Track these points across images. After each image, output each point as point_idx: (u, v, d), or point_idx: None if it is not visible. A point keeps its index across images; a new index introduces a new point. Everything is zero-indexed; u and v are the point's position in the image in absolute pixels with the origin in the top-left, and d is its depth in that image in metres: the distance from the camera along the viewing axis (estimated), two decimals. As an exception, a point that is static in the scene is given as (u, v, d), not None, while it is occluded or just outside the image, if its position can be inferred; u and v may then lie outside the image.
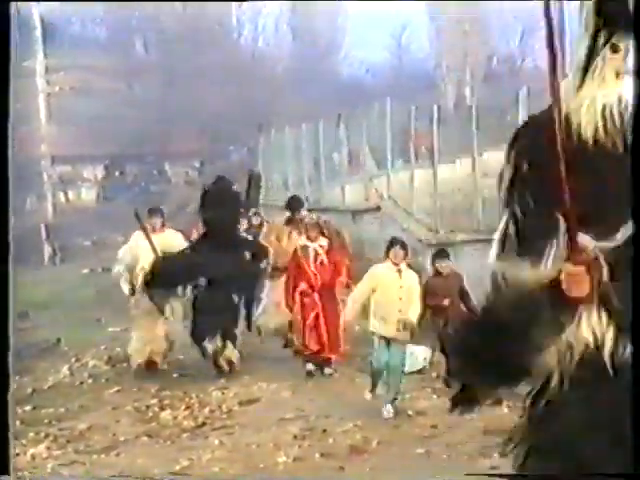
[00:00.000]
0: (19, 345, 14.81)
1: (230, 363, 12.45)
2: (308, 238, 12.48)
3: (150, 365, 12.85)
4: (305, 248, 12.43)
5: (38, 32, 34.42)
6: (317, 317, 12.35)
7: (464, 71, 32.37)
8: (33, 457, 9.54)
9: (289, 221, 14.25)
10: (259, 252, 12.86)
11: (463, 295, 10.62)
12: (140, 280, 12.66)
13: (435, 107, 17.40)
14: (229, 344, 12.41)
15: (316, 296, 12.34)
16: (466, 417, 9.65)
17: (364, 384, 10.46)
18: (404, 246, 10.45)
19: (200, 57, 33.02)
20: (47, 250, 30.96)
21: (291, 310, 12.63)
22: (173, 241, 12.89)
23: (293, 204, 14.57)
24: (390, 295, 10.22)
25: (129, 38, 36.76)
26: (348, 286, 12.14)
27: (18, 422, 11.32)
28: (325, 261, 12.36)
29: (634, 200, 3.33)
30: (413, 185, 17.42)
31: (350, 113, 21.02)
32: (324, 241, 12.50)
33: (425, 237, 16.37)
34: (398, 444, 9.11)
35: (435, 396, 10.91)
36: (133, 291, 12.80)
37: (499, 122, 15.30)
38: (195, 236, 13.36)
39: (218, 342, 12.34)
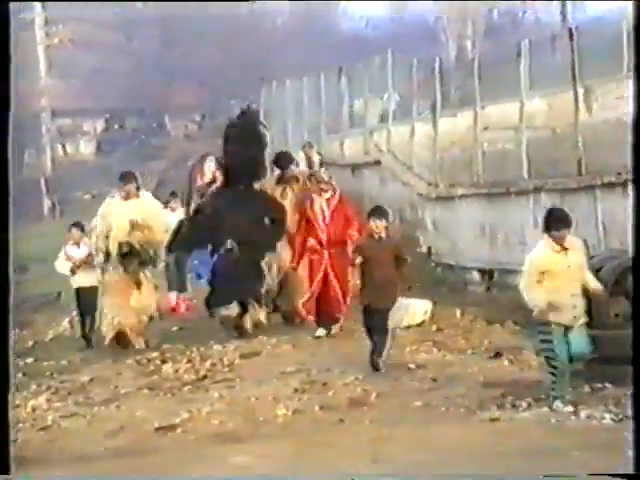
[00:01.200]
0: (19, 299, 14.86)
1: (258, 324, 12.24)
2: (315, 192, 12.15)
3: (121, 338, 12.23)
4: (312, 202, 12.09)
5: (36, -16, 34.11)
6: (326, 276, 11.96)
7: (465, 24, 32.11)
8: (33, 409, 9.59)
9: (280, 179, 13.26)
10: (278, 214, 12.43)
11: (399, 261, 10.03)
12: (114, 250, 12.06)
13: (437, 59, 17.28)
14: (255, 306, 12.19)
15: (325, 253, 11.99)
16: (467, 370, 9.79)
17: (364, 337, 10.47)
18: None
19: (200, 10, 32.73)
20: (46, 203, 30.93)
21: (294, 270, 12.27)
22: (150, 207, 12.35)
23: (283, 161, 13.52)
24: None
25: (128, -10, 36.43)
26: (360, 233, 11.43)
27: (20, 374, 11.39)
28: (332, 215, 11.98)
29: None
30: (413, 139, 17.34)
31: (351, 66, 20.88)
32: (328, 194, 12.11)
33: (425, 191, 16.34)
34: (397, 397, 9.15)
35: (435, 349, 10.95)
36: (107, 260, 12.19)
37: (501, 75, 15.16)
38: (215, 184, 12.89)
39: (236, 307, 12.11)
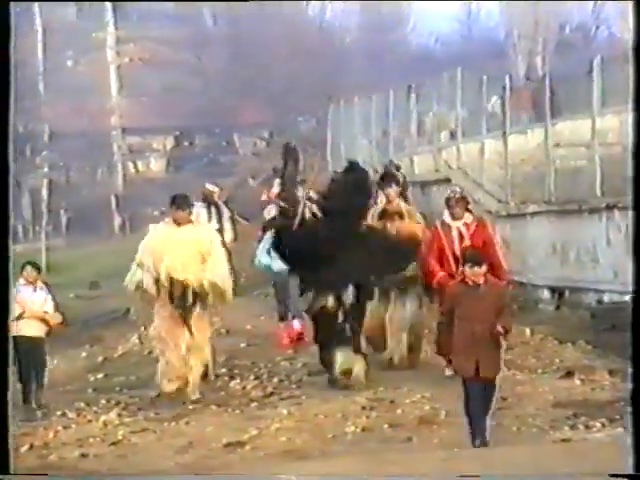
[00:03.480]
0: (90, 315, 15.05)
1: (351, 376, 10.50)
2: (451, 215, 10.46)
3: (177, 395, 10.40)
4: (448, 228, 10.46)
5: (108, 4, 34.63)
6: None
7: (535, 40, 31.84)
8: (105, 424, 9.65)
9: (383, 214, 11.34)
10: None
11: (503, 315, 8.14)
12: (165, 287, 10.19)
13: (507, 77, 17.17)
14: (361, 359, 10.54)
15: None
16: (537, 389, 9.66)
17: (432, 355, 10.37)
18: None
19: (268, 28, 32.95)
20: (117, 220, 31.29)
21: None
22: (210, 235, 10.60)
23: (387, 179, 11.74)
24: None
25: (197, 9, 36.81)
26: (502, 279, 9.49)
27: (90, 389, 11.50)
28: (470, 242, 10.21)
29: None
30: (483, 156, 17.23)
31: (420, 83, 20.83)
32: (470, 217, 10.51)
33: (495, 208, 16.21)
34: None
35: (505, 368, 10.80)
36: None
37: (572, 91, 15.01)
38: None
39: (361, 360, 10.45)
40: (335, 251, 10.23)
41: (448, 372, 9.76)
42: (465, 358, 7.89)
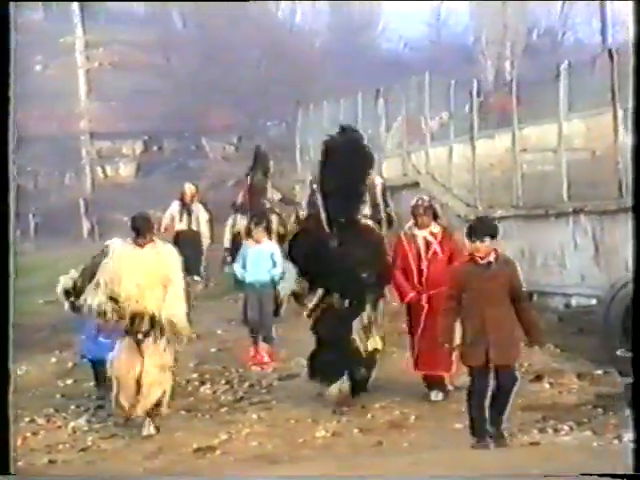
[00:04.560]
0: (58, 319, 14.93)
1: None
2: (417, 224, 9.95)
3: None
4: (412, 237, 9.94)
5: (76, 7, 34.49)
6: (424, 329, 9.66)
7: (504, 45, 32.02)
8: (74, 430, 9.62)
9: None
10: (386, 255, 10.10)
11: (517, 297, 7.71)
12: (126, 313, 9.19)
13: (475, 81, 17.25)
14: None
15: (423, 298, 9.75)
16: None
17: (402, 359, 10.41)
18: None
19: (237, 31, 32.93)
20: (86, 225, 31.15)
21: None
22: (163, 260, 9.32)
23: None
24: None
25: (166, 12, 36.74)
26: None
27: (59, 395, 11.44)
28: (439, 252, 9.77)
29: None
30: (452, 160, 17.30)
31: (388, 88, 20.88)
32: (437, 227, 10.03)
33: (464, 212, 16.28)
34: (436, 419, 9.10)
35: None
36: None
37: (539, 96, 15.10)
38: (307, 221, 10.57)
39: (347, 381, 9.82)
40: (330, 249, 9.80)
41: (434, 397, 9.73)
42: (474, 346, 7.37)
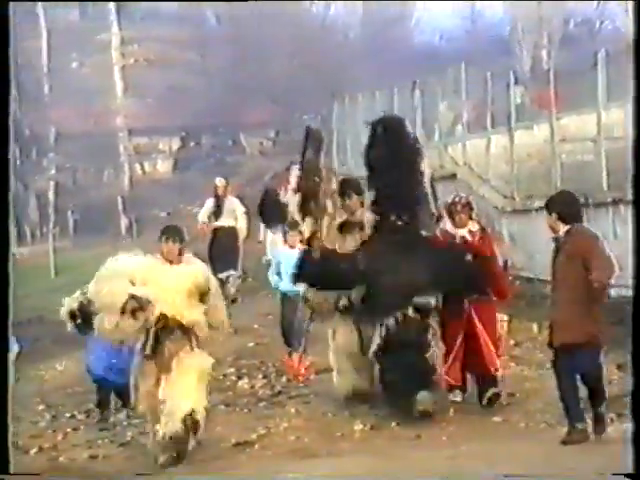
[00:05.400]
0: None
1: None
2: (454, 222, 9.45)
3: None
4: (450, 237, 9.45)
5: (112, 5, 34.65)
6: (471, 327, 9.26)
7: (540, 34, 31.81)
8: (114, 425, 9.69)
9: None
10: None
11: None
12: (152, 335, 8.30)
13: (511, 72, 17.15)
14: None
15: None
16: (545, 385, 9.64)
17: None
18: None
19: (271, 27, 32.95)
20: (124, 221, 31.33)
21: None
22: (195, 272, 8.48)
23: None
24: None
25: (200, 9, 36.85)
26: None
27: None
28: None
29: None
30: (489, 151, 17.19)
31: (424, 80, 20.79)
32: (475, 226, 9.57)
33: (501, 204, 16.17)
34: (475, 412, 9.04)
35: (513, 364, 10.81)
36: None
37: (578, 86, 14.97)
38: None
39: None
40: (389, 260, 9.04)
41: (452, 397, 9.36)
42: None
